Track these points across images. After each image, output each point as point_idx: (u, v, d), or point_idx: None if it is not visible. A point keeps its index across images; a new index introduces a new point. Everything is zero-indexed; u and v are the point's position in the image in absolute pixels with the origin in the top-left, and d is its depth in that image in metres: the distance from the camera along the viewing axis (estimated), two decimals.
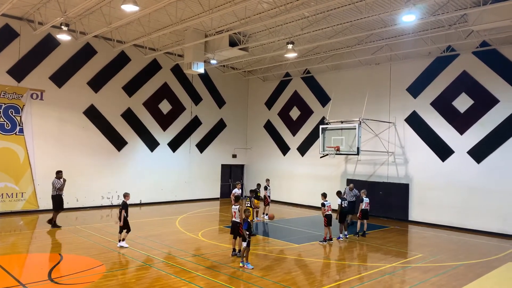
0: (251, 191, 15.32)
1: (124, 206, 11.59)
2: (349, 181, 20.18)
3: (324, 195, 13.19)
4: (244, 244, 9.86)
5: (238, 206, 10.91)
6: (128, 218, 11.57)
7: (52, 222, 14.18)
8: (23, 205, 16.71)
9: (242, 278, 9.05)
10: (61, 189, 14.34)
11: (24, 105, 16.87)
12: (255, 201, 15.05)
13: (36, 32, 16.51)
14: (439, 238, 14.79)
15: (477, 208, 16.02)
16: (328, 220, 12.79)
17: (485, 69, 16.17)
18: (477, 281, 9.46)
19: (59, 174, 14.49)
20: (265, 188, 17.42)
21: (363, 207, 14.11)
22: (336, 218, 13.48)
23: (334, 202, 13.61)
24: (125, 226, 11.53)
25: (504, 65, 15.69)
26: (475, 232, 15.75)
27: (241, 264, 9.88)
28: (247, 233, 9.84)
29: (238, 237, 10.75)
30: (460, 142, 16.73)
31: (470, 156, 16.44)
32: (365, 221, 14.21)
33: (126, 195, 11.83)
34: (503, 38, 15.33)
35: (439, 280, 9.37)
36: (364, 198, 14.25)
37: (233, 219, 10.84)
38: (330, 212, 12.90)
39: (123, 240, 11.56)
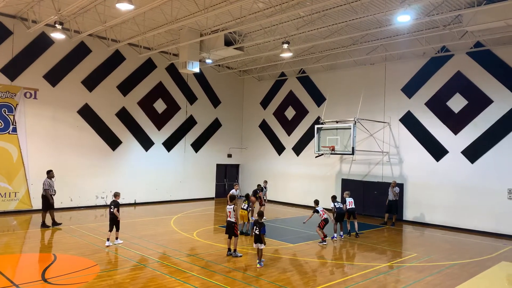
0: (250, 192, 15.41)
1: (117, 205, 11.70)
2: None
3: (316, 202, 13.19)
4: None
5: (233, 206, 10.90)
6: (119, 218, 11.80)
7: (43, 222, 14.09)
8: (16, 205, 16.57)
9: (237, 278, 9.03)
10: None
11: (17, 104, 16.73)
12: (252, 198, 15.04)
13: (29, 30, 16.37)
14: (433, 237, 14.87)
15: (471, 208, 16.12)
16: (325, 223, 12.84)
17: (479, 70, 16.27)
18: (471, 280, 9.52)
19: (50, 173, 14.39)
20: (261, 189, 17.40)
21: (348, 207, 14.02)
22: (332, 221, 13.51)
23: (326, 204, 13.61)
24: (117, 225, 11.76)
25: (498, 65, 15.79)
26: (469, 232, 15.84)
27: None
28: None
29: (233, 236, 10.76)
30: (454, 142, 16.82)
31: (464, 156, 16.53)
32: (355, 221, 14.17)
33: (117, 195, 11.94)
34: (497, 39, 15.43)
35: (433, 280, 9.41)
36: (347, 199, 14.17)
37: (228, 218, 10.85)
38: (326, 216, 12.91)
39: (117, 238, 11.80)
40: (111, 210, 11.69)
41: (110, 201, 12.14)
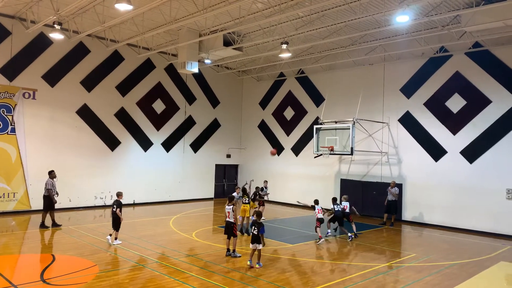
0: (256, 187, 16.16)
1: (119, 205, 11.81)
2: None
3: (316, 202, 13.81)
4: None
5: (232, 206, 10.92)
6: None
7: (42, 223, 14.07)
8: (15, 205, 16.54)
9: (236, 278, 9.03)
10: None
11: (16, 104, 16.71)
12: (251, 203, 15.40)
13: (28, 30, 16.35)
14: (432, 237, 14.89)
15: (470, 208, 16.14)
16: (320, 223, 13.24)
17: (477, 70, 16.30)
18: (470, 280, 9.53)
19: (52, 173, 14.41)
20: (262, 190, 17.37)
21: (345, 211, 14.31)
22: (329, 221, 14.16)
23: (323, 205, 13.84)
24: (117, 225, 11.82)
25: (496, 66, 15.82)
26: (468, 232, 15.86)
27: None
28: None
29: (232, 237, 10.76)
30: (453, 142, 16.84)
31: (462, 156, 16.56)
32: (352, 223, 14.40)
33: (119, 194, 12.09)
34: (495, 39, 15.46)
35: (432, 280, 9.42)
36: (344, 202, 14.47)
37: (227, 219, 10.85)
38: (321, 216, 13.26)
39: (116, 238, 11.88)
40: (114, 210, 11.81)
41: (113, 201, 12.23)
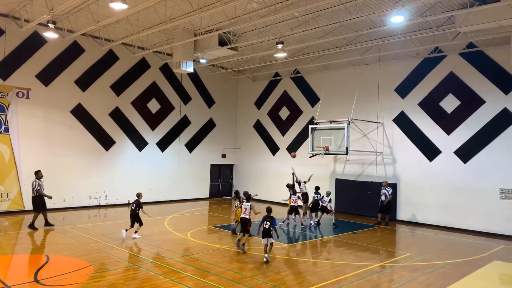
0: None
1: (139, 205, 12.83)
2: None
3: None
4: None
5: (250, 204, 11.54)
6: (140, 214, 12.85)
7: (46, 221, 14.10)
8: (8, 205, 16.41)
9: (231, 278, 9.02)
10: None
11: (9, 104, 16.58)
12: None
13: (22, 29, 16.23)
14: (427, 237, 14.96)
15: (464, 208, 16.24)
16: (292, 209, 15.65)
17: (471, 70, 16.40)
18: (464, 279, 9.59)
19: (39, 173, 14.27)
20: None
21: (323, 204, 15.92)
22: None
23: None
24: (139, 221, 12.80)
25: (490, 66, 15.93)
26: (462, 231, 15.96)
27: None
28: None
29: (245, 233, 11.35)
30: (447, 142, 16.94)
31: (457, 156, 16.65)
32: (331, 215, 16.16)
33: (139, 195, 13.10)
34: (489, 40, 15.56)
35: (426, 279, 9.47)
36: (325, 197, 16.05)
37: (243, 215, 11.48)
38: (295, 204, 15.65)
39: (136, 232, 12.79)
40: (133, 208, 12.77)
41: (132, 200, 13.12)
